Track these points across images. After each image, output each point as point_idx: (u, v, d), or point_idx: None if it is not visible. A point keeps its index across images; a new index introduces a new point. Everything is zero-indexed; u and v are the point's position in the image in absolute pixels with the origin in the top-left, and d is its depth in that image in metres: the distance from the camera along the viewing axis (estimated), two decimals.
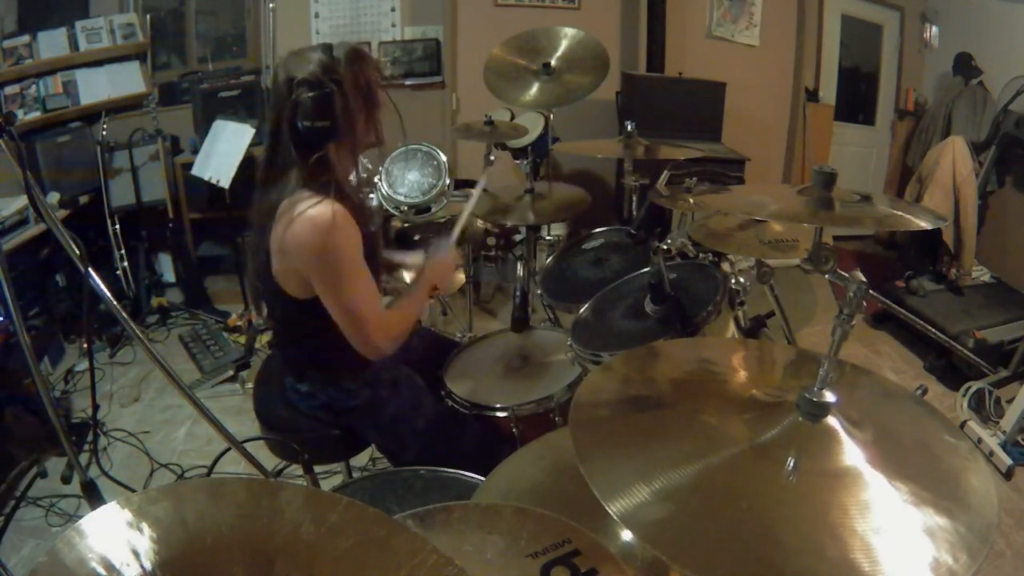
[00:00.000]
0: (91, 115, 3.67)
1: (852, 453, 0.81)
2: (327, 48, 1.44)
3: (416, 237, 2.99)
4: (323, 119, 1.40)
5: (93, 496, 1.50)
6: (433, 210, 3.00)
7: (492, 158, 2.34)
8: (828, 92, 4.84)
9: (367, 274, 1.47)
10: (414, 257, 1.91)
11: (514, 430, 1.66)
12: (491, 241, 3.74)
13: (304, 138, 1.41)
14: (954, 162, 3.47)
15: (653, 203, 2.23)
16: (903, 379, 3.11)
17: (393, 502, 1.31)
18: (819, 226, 1.01)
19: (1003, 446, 2.50)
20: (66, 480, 2.28)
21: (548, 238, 3.40)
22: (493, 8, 4.19)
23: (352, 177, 1.55)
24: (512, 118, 3.39)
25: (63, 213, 3.31)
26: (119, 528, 0.58)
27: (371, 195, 2.94)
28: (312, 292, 1.45)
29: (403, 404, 1.67)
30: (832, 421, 0.85)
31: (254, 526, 0.61)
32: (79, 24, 3.67)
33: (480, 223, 3.42)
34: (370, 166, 2.83)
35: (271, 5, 3.04)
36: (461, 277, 2.75)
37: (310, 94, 1.38)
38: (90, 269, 1.46)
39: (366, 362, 1.61)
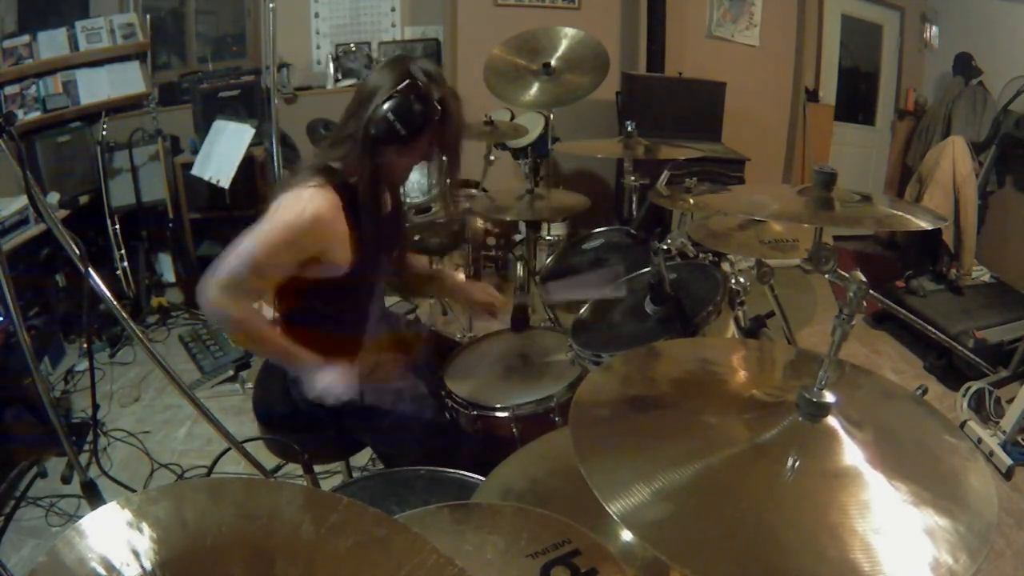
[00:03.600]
0: (91, 115, 3.67)
1: (852, 453, 0.81)
2: (442, 79, 1.47)
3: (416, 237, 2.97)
4: (406, 125, 1.41)
5: (93, 496, 1.50)
6: (433, 210, 3.00)
7: (492, 158, 2.34)
8: (828, 92, 4.84)
9: (276, 259, 1.42)
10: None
11: (514, 430, 1.66)
12: (491, 241, 3.74)
13: (378, 128, 1.42)
14: (954, 162, 3.47)
15: (653, 203, 2.23)
16: (903, 379, 3.11)
17: (393, 502, 1.31)
18: (819, 226, 1.01)
19: (1003, 446, 2.50)
20: (66, 480, 2.28)
21: (548, 238, 3.40)
22: (493, 8, 4.19)
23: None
24: (512, 118, 3.39)
25: (63, 213, 3.31)
26: (119, 528, 0.58)
27: None
28: (309, 272, 1.45)
29: (404, 410, 1.65)
30: (832, 421, 0.85)
31: (254, 526, 0.61)
32: (79, 24, 3.66)
33: (480, 223, 3.42)
34: None
35: (271, 5, 3.03)
36: (461, 277, 2.75)
37: (412, 99, 1.40)
38: (90, 269, 1.46)
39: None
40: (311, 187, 1.41)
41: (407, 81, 1.41)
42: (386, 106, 1.40)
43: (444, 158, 1.55)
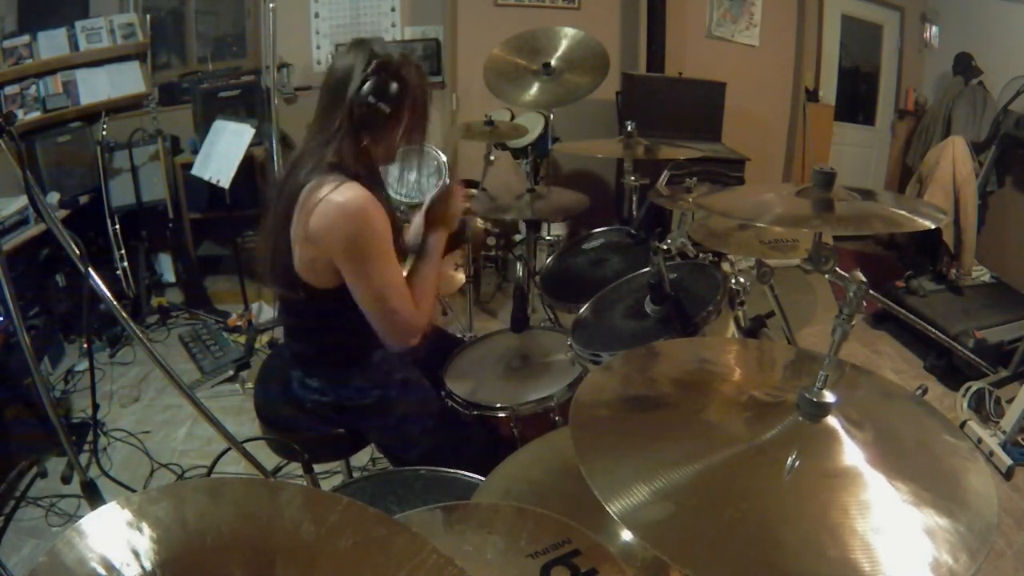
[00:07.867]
0: (91, 115, 3.67)
1: (852, 453, 0.81)
2: (401, 54, 1.47)
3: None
4: (387, 103, 1.41)
5: (93, 496, 1.50)
6: None
7: (492, 158, 2.34)
8: (828, 92, 4.84)
9: (395, 260, 1.45)
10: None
11: (514, 430, 1.66)
12: (491, 241, 3.74)
13: (362, 114, 1.41)
14: (954, 162, 3.46)
15: (653, 203, 2.23)
16: (903, 379, 3.11)
17: (393, 502, 1.31)
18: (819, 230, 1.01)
19: (1003, 446, 2.50)
20: (66, 480, 2.27)
21: (548, 238, 3.40)
22: (493, 8, 4.19)
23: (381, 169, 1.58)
24: (512, 118, 3.40)
25: (63, 213, 3.31)
26: (119, 528, 0.58)
27: None
28: (336, 281, 1.43)
29: (411, 405, 1.66)
30: (832, 421, 0.85)
31: (254, 526, 0.61)
32: (79, 24, 3.66)
33: (480, 223, 3.42)
34: None
35: (271, 5, 3.04)
36: (461, 277, 2.75)
37: (386, 77, 1.40)
38: (90, 269, 1.46)
39: (378, 360, 1.61)
40: (346, 190, 1.38)
41: (375, 61, 1.40)
42: (364, 89, 1.40)
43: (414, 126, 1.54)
